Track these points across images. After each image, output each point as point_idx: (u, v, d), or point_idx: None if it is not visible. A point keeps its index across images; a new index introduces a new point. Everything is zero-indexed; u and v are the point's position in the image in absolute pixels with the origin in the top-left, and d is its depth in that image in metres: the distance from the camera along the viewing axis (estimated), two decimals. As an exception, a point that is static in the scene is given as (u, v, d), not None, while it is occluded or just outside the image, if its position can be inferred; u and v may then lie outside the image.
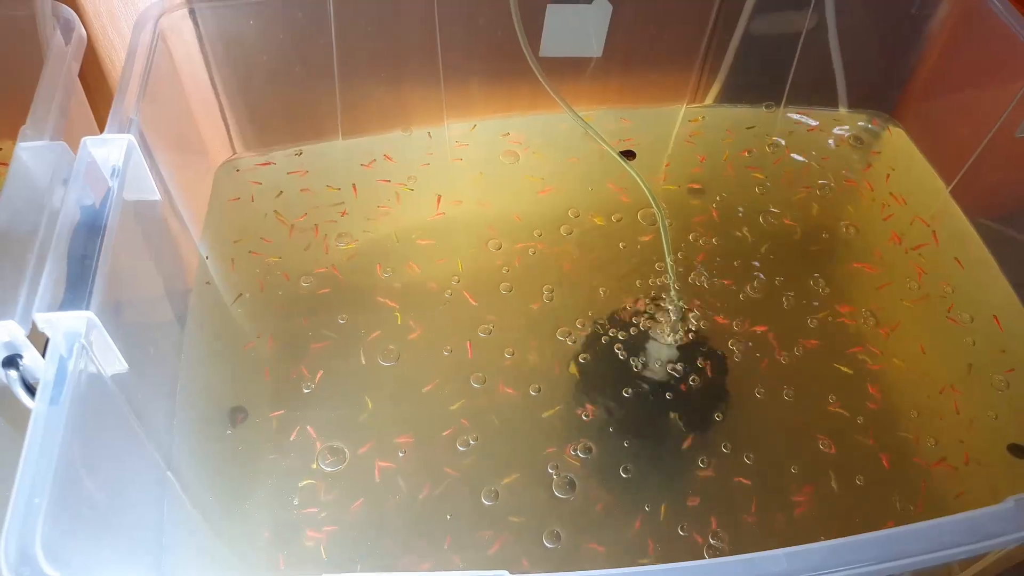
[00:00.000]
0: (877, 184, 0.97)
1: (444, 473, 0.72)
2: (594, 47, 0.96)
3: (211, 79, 0.87)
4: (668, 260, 0.85)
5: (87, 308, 0.55)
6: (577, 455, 0.73)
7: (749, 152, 1.00)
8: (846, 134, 1.02)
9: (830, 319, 0.83)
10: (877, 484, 0.72)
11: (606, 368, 0.79)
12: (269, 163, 0.95)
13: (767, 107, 1.03)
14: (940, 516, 0.51)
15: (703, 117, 1.03)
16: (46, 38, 0.70)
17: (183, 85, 0.85)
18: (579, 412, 0.76)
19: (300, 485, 0.71)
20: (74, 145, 0.64)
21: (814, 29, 0.96)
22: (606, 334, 0.81)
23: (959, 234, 0.90)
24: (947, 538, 0.50)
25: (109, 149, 0.65)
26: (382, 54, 0.91)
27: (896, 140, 1.02)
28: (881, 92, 1.02)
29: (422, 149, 0.97)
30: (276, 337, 0.80)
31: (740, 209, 0.93)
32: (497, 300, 0.84)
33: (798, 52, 0.98)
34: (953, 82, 0.95)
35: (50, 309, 0.54)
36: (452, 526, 0.69)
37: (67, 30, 0.72)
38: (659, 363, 0.79)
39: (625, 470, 0.72)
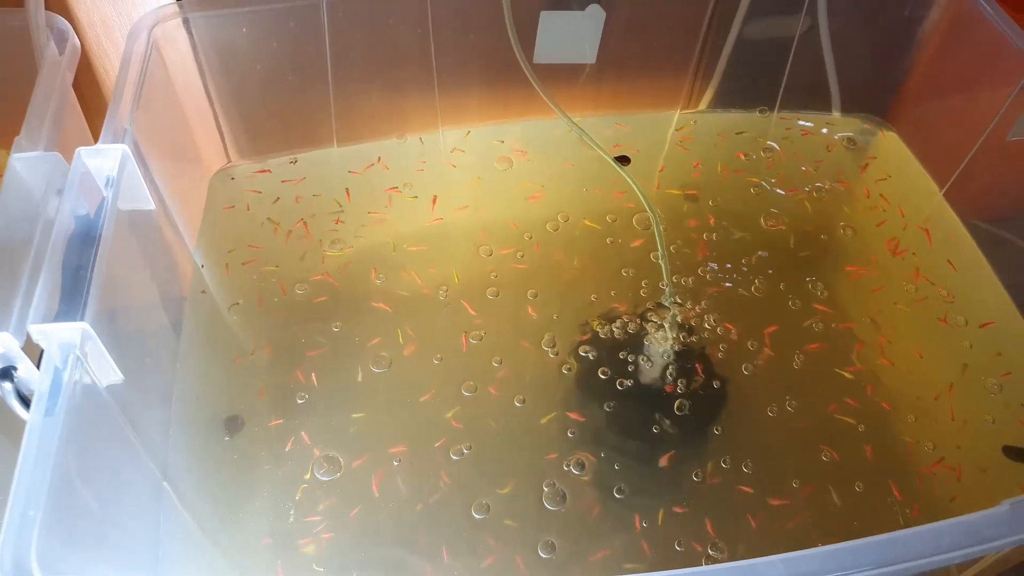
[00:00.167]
0: (871, 187, 0.97)
1: (439, 482, 0.72)
2: (588, 53, 0.96)
3: (205, 88, 0.87)
4: (663, 265, 0.86)
5: (82, 319, 0.55)
6: (571, 463, 0.73)
7: (743, 157, 1.00)
8: (840, 138, 1.02)
9: (825, 323, 0.83)
10: (873, 488, 0.72)
11: (601, 375, 0.79)
12: (264, 171, 0.95)
13: (761, 112, 1.04)
14: (936, 520, 0.51)
15: (694, 122, 1.04)
16: (40, 48, 0.70)
17: (177, 94, 0.85)
18: (573, 419, 0.76)
19: (297, 494, 0.71)
20: (68, 155, 0.64)
21: (807, 34, 0.96)
22: (601, 340, 0.81)
23: (953, 237, 0.90)
24: (943, 542, 0.50)
25: (103, 159, 0.65)
26: (376, 61, 0.91)
27: (889, 143, 1.02)
28: (874, 96, 1.03)
29: (417, 156, 0.97)
30: (271, 346, 0.80)
31: (734, 214, 0.93)
32: (490, 306, 0.84)
33: (791, 57, 0.98)
34: (946, 85, 0.96)
35: (45, 320, 0.54)
36: (449, 534, 0.69)
37: (61, 40, 0.72)
38: (654, 369, 0.79)
39: (620, 477, 0.72)
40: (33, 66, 0.70)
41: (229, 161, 0.95)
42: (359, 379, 0.78)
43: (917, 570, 0.50)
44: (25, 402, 0.53)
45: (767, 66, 1.00)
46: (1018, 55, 0.81)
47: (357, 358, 0.79)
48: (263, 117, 0.94)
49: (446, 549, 0.68)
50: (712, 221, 0.92)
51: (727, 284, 0.86)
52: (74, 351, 0.54)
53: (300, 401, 0.76)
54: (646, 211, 0.90)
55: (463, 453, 0.73)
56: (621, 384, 0.78)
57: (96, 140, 0.67)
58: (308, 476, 0.72)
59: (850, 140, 1.02)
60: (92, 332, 0.55)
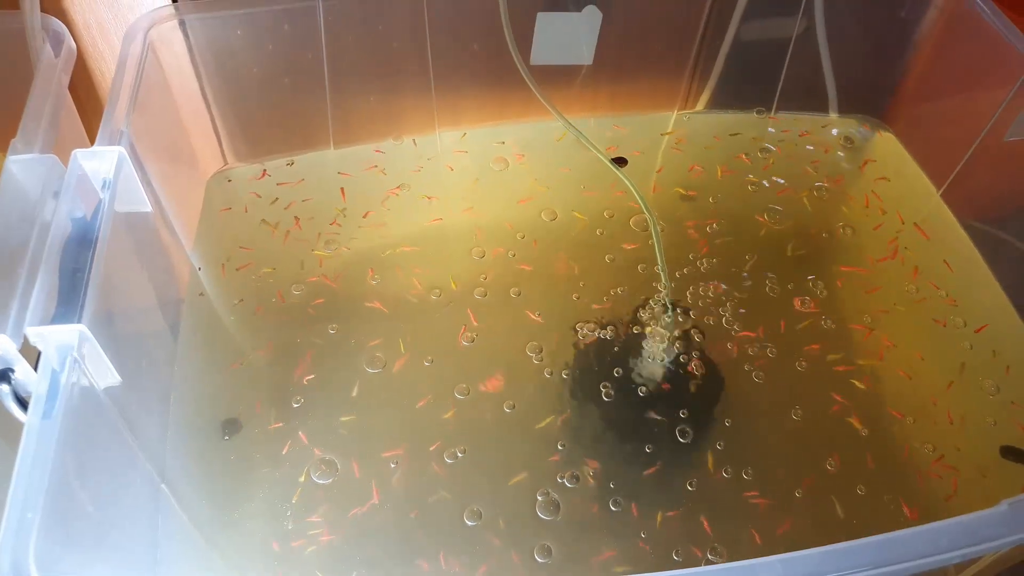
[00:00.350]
0: (868, 188, 0.97)
1: (436, 484, 0.71)
2: (585, 55, 0.96)
3: (201, 90, 0.87)
4: (661, 266, 0.86)
5: (79, 321, 0.55)
6: (567, 464, 0.73)
7: (740, 158, 1.00)
8: (837, 139, 1.02)
9: (823, 324, 0.83)
10: (871, 489, 0.72)
11: (598, 377, 0.79)
12: (260, 173, 0.94)
13: (758, 112, 1.04)
14: (935, 520, 0.51)
15: (692, 123, 1.04)
16: (36, 51, 0.70)
17: (173, 96, 0.85)
18: (569, 421, 0.76)
19: (294, 496, 0.70)
20: (65, 158, 0.64)
21: (803, 34, 0.97)
22: (597, 343, 0.81)
23: (950, 238, 0.90)
24: (942, 542, 0.50)
25: (100, 161, 0.65)
26: (373, 63, 0.91)
27: (886, 144, 1.02)
28: (871, 96, 1.03)
29: (413, 157, 0.97)
30: (269, 348, 0.80)
31: (732, 215, 0.93)
32: (487, 308, 0.84)
33: (788, 58, 0.98)
34: (943, 86, 0.96)
35: (42, 323, 0.54)
36: (446, 537, 0.69)
37: (57, 42, 0.72)
38: (651, 371, 0.79)
39: (616, 481, 0.72)
40: (29, 68, 0.70)
41: (226, 163, 0.95)
42: (356, 381, 0.78)
43: (917, 570, 0.50)
44: (23, 404, 0.53)
45: (764, 67, 1.00)
46: (1015, 55, 0.82)
47: (354, 360, 0.79)
48: (260, 119, 0.94)
49: (443, 552, 0.68)
50: (709, 222, 0.92)
51: (724, 285, 0.86)
52: (71, 353, 0.54)
53: (295, 405, 0.76)
54: (643, 213, 0.90)
55: (457, 457, 0.73)
56: (618, 386, 0.78)
57: (92, 143, 0.67)
58: (304, 479, 0.71)
59: (847, 141, 1.02)
60: (89, 334, 0.55)
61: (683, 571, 0.48)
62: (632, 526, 0.69)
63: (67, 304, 0.56)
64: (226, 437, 0.74)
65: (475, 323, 0.82)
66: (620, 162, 0.97)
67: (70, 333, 0.54)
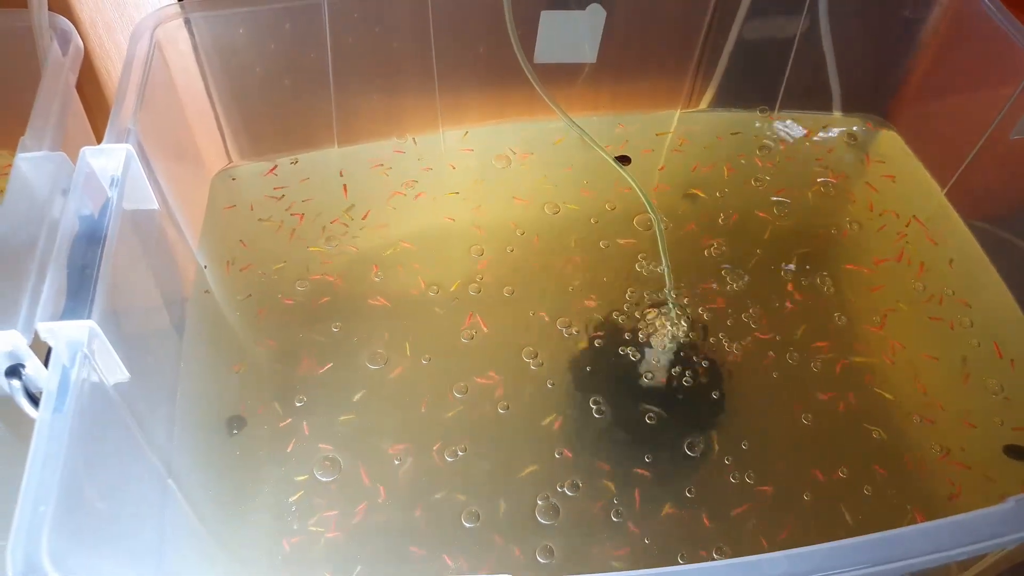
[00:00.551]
0: (872, 187, 0.97)
1: (441, 481, 0.72)
2: (588, 53, 0.96)
3: (207, 88, 0.88)
4: (664, 265, 0.86)
5: (89, 317, 0.55)
6: (569, 465, 0.73)
7: (744, 156, 1.00)
8: (841, 137, 1.02)
9: (827, 322, 0.83)
10: (877, 487, 0.72)
11: (600, 376, 0.79)
12: (265, 171, 0.95)
13: (761, 111, 1.04)
14: (940, 517, 0.51)
15: (695, 121, 1.04)
16: (43, 49, 0.70)
17: (179, 95, 0.85)
18: (571, 420, 0.76)
19: (299, 492, 0.71)
20: (73, 155, 0.64)
21: (807, 33, 0.97)
22: (600, 342, 0.81)
23: (955, 236, 0.90)
24: (947, 539, 0.50)
25: (108, 159, 0.65)
26: (377, 62, 0.91)
27: (891, 143, 1.02)
28: (875, 95, 1.03)
29: (417, 156, 0.97)
30: (273, 345, 0.81)
31: (736, 213, 0.93)
32: (491, 306, 0.84)
33: (792, 56, 0.98)
34: (947, 84, 0.96)
35: (52, 319, 0.54)
36: (451, 533, 0.69)
37: (64, 41, 0.72)
38: (655, 369, 0.79)
39: (619, 481, 0.72)
40: (37, 67, 0.70)
41: (230, 161, 0.95)
42: (360, 379, 0.78)
43: (922, 567, 0.50)
44: (33, 400, 0.53)
45: (768, 66, 1.00)
46: (1020, 53, 0.82)
47: (357, 358, 0.79)
48: (264, 117, 0.94)
49: (450, 546, 0.68)
50: (713, 221, 0.93)
51: (728, 283, 0.86)
52: (82, 349, 0.54)
53: (299, 404, 0.76)
54: (647, 211, 0.90)
55: (458, 455, 0.73)
56: (619, 386, 0.78)
57: (99, 141, 0.67)
58: (308, 477, 0.72)
59: (851, 139, 1.02)
60: (99, 330, 0.55)
61: (690, 566, 0.48)
62: (635, 526, 0.70)
63: (76, 300, 0.56)
64: (235, 431, 0.74)
65: (477, 321, 0.82)
66: (624, 160, 0.97)
67: (80, 329, 0.55)
